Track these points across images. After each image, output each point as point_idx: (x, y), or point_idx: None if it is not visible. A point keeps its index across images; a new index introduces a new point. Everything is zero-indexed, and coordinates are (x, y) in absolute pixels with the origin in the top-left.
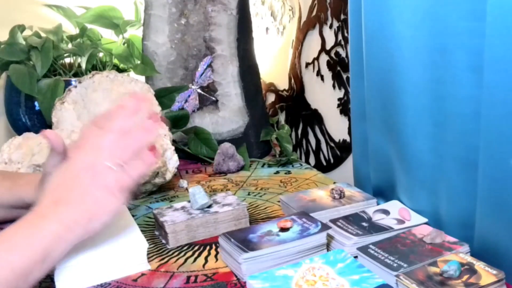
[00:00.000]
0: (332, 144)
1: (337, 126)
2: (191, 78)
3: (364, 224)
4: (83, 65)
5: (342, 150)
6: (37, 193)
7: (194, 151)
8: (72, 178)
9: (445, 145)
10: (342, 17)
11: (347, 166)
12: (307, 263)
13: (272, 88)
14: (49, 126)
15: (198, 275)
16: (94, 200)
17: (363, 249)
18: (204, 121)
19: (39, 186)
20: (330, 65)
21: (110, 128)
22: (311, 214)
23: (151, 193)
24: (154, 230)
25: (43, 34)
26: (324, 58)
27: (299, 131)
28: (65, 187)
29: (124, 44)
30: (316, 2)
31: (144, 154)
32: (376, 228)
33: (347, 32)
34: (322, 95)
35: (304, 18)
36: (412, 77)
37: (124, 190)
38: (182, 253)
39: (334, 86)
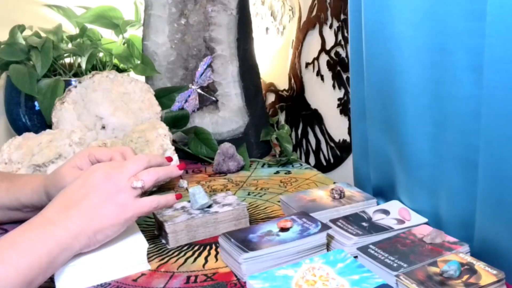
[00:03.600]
0: (332, 144)
1: (337, 126)
2: (191, 78)
3: (364, 224)
4: (83, 65)
5: (342, 150)
6: (35, 194)
7: (194, 151)
8: (90, 186)
9: (445, 145)
10: (342, 17)
11: (347, 166)
12: (307, 263)
13: (272, 88)
14: (49, 126)
15: (198, 275)
16: (106, 213)
17: (363, 249)
18: (204, 121)
19: (39, 188)
20: (330, 65)
21: (144, 158)
22: (311, 214)
23: (151, 193)
24: (154, 230)
25: (43, 34)
26: (324, 58)
27: (299, 131)
28: (81, 193)
29: (124, 44)
30: (316, 2)
31: (170, 194)
32: (376, 228)
33: (347, 32)
34: (322, 95)
35: (304, 18)
36: (412, 77)
37: (138, 213)
38: (182, 253)
39: (334, 86)
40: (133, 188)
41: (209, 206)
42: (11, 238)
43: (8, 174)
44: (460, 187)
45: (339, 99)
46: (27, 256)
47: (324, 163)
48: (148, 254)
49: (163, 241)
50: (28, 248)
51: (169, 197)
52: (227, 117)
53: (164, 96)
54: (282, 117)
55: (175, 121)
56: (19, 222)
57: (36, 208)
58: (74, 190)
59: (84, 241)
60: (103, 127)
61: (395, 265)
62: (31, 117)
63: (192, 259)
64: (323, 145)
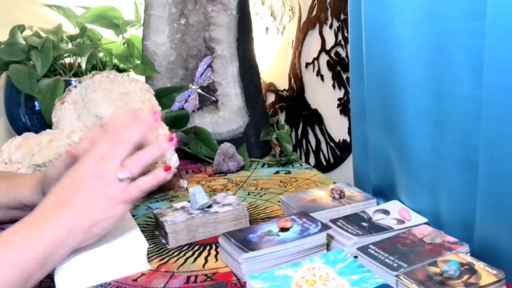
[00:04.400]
0: (332, 144)
1: (337, 126)
2: (191, 78)
3: (364, 224)
4: (83, 65)
5: (342, 150)
6: (34, 193)
7: (194, 151)
8: (79, 182)
9: (445, 145)
10: (342, 17)
11: (347, 166)
12: (307, 263)
13: (272, 88)
14: (49, 126)
15: (198, 275)
16: (98, 207)
17: (363, 249)
18: (204, 121)
19: (37, 187)
20: (330, 65)
21: (125, 138)
22: (311, 214)
23: (151, 193)
24: (154, 230)
25: (43, 34)
26: (324, 58)
27: (299, 131)
28: (71, 190)
29: (124, 44)
30: (316, 2)
31: (156, 170)
32: (376, 228)
33: (347, 32)
34: (322, 95)
35: (304, 18)
36: (412, 77)
37: (130, 201)
38: (182, 253)
39: (334, 86)
40: (120, 180)
41: (209, 206)
42: (6, 236)
43: (9, 173)
44: (460, 187)
45: (339, 99)
46: (22, 253)
47: (324, 163)
48: (148, 254)
49: (163, 241)
50: (23, 245)
51: (156, 172)
52: (227, 117)
53: (164, 96)
54: (282, 117)
55: (175, 121)
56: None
57: None
58: (64, 187)
59: (80, 236)
60: None
61: (395, 265)
62: (31, 117)
63: (192, 259)
64: (323, 145)
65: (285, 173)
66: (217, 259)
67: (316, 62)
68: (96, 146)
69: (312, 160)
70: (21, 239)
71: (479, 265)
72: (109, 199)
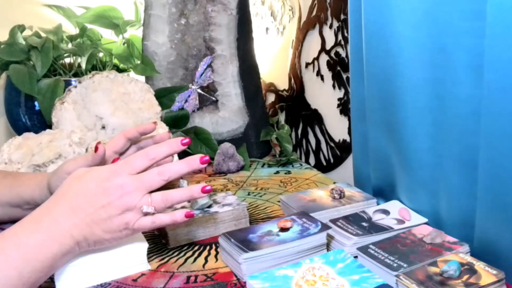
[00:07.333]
0: (332, 144)
1: (337, 126)
2: (191, 78)
3: (364, 224)
4: (83, 65)
5: (342, 150)
6: (38, 190)
7: (194, 151)
8: (102, 194)
9: (445, 145)
10: (342, 17)
11: (347, 166)
12: (307, 263)
13: (272, 88)
14: (49, 126)
15: (198, 275)
16: (110, 227)
17: (363, 249)
18: (204, 121)
19: (43, 184)
20: (330, 65)
21: (163, 171)
22: (311, 214)
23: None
24: (154, 230)
25: (43, 34)
26: (324, 58)
27: (299, 131)
28: (91, 198)
29: (124, 44)
30: (316, 2)
31: (177, 211)
32: (376, 228)
33: (347, 32)
34: (322, 95)
35: (304, 18)
36: (412, 77)
37: (138, 231)
38: (182, 253)
39: (334, 86)
40: (142, 211)
41: (209, 206)
42: (17, 239)
43: (12, 172)
44: (460, 187)
45: (339, 99)
46: (31, 260)
47: (324, 163)
48: (148, 254)
49: (163, 241)
50: (34, 253)
51: (176, 214)
52: (227, 117)
53: (164, 96)
54: (282, 117)
55: (175, 121)
56: (17, 221)
57: (37, 205)
58: (85, 193)
59: (84, 248)
60: (103, 127)
61: (395, 265)
62: (31, 117)
63: (192, 259)
64: (323, 145)
65: (285, 173)
66: (217, 259)
67: (316, 62)
68: (130, 162)
69: (312, 160)
70: (33, 246)
71: (479, 265)
72: (123, 224)
